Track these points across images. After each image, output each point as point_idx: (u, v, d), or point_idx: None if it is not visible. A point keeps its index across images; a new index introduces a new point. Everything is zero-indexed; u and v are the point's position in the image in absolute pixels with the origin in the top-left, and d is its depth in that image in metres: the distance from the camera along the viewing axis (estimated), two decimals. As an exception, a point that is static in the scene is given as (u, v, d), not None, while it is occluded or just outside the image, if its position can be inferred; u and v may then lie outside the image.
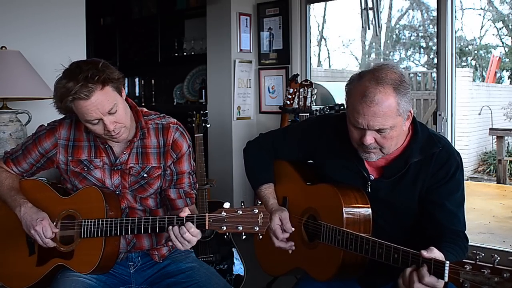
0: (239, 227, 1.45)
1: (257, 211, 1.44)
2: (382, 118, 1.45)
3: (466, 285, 1.22)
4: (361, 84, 1.48)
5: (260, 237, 1.48)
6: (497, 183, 7.46)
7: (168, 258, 1.80)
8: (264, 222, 1.44)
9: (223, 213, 1.46)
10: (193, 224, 1.50)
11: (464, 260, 1.25)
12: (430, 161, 1.57)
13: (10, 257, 1.75)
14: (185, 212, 1.53)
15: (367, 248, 1.45)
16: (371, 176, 1.64)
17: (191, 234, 1.51)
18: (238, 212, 1.45)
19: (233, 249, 2.87)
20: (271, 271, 1.97)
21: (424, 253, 1.29)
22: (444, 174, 1.56)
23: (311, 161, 1.85)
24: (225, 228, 1.46)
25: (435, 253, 1.30)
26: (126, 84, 5.08)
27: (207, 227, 1.48)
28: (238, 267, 2.85)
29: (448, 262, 1.25)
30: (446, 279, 1.25)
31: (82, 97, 1.51)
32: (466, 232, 1.57)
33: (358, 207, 1.59)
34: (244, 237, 1.51)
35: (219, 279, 1.75)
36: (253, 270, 2.04)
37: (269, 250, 1.84)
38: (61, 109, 1.59)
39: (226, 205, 1.48)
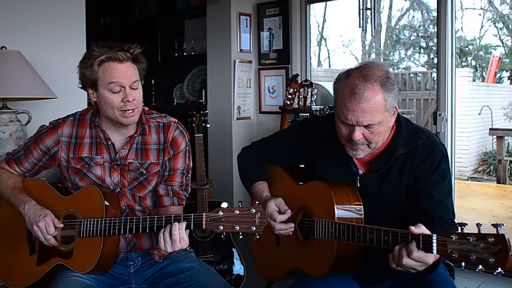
0: (236, 227, 1.45)
1: (254, 210, 1.45)
2: (370, 114, 1.50)
3: (454, 255, 1.24)
4: (350, 81, 1.53)
5: (257, 237, 1.49)
6: (497, 183, 7.46)
7: (168, 257, 1.80)
8: (261, 222, 1.44)
9: (220, 213, 1.47)
10: (191, 223, 1.51)
11: (449, 231, 1.27)
12: (415, 153, 1.61)
13: (11, 256, 1.76)
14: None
15: (358, 236, 1.48)
16: (360, 171, 1.67)
17: (179, 235, 1.51)
18: (235, 212, 1.45)
19: (233, 249, 2.87)
20: (270, 276, 1.98)
21: (413, 228, 1.33)
22: (429, 164, 1.59)
23: (302, 165, 1.87)
24: (222, 227, 1.46)
25: (423, 229, 1.33)
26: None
27: (204, 227, 1.49)
28: (238, 267, 2.85)
29: (435, 235, 1.28)
30: (434, 252, 1.27)
31: (118, 57, 1.62)
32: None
33: (350, 203, 1.61)
34: (241, 237, 1.51)
35: (219, 279, 1.75)
36: (253, 270, 2.04)
37: (267, 254, 1.84)
38: (84, 73, 1.65)
39: (224, 204, 1.48)
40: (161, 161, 1.76)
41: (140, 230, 1.58)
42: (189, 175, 1.84)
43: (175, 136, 1.77)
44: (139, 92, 1.69)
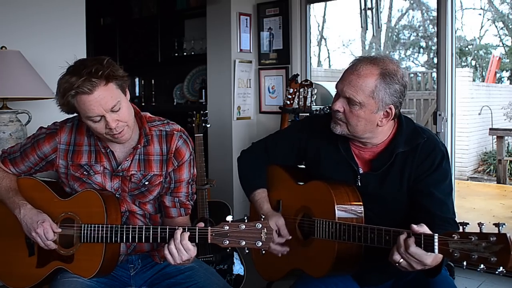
0: (241, 242, 1.42)
1: (260, 226, 1.41)
2: (354, 88, 1.52)
3: (455, 254, 1.23)
4: (356, 60, 1.58)
5: (263, 252, 1.47)
6: (497, 183, 7.46)
7: (168, 258, 1.80)
8: (267, 237, 1.42)
9: (226, 227, 1.43)
10: (195, 237, 1.48)
11: (451, 231, 1.27)
12: (415, 152, 1.60)
13: (10, 256, 1.74)
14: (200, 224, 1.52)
15: (359, 235, 1.48)
16: (360, 169, 1.67)
17: (184, 246, 1.48)
18: (241, 226, 1.42)
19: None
20: (269, 276, 1.97)
21: (415, 227, 1.33)
22: (430, 164, 1.59)
23: (303, 166, 1.87)
24: (227, 242, 1.43)
25: (425, 228, 1.33)
26: (126, 84, 5.07)
27: (209, 241, 1.45)
28: (238, 267, 2.84)
29: (436, 234, 1.27)
30: (436, 251, 1.27)
31: (85, 91, 1.48)
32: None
33: (350, 203, 1.61)
34: (247, 251, 1.49)
35: (218, 279, 1.75)
36: (253, 270, 2.03)
37: (266, 255, 1.84)
38: (63, 105, 1.55)
39: (229, 218, 1.45)
40: (164, 172, 1.71)
41: (143, 239, 1.55)
42: (194, 183, 1.79)
43: (178, 147, 1.71)
44: (123, 110, 1.56)
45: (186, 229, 1.49)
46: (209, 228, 1.45)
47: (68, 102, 1.52)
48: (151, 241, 1.56)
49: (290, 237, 1.70)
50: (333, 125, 1.63)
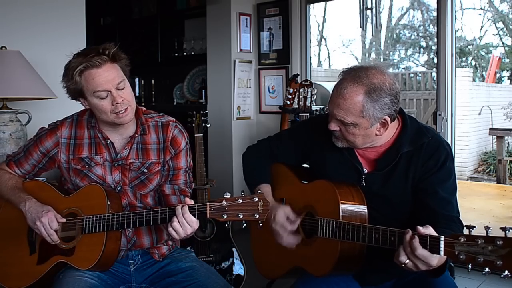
0: (239, 215, 1.47)
1: (257, 199, 1.47)
2: (344, 111, 1.54)
3: (461, 257, 1.23)
4: (341, 78, 1.58)
5: (261, 224, 1.51)
6: (497, 183, 7.45)
7: (168, 257, 1.81)
8: (264, 209, 1.47)
9: (224, 202, 1.49)
10: (195, 213, 1.53)
11: (457, 233, 1.27)
12: (420, 151, 1.61)
13: (9, 257, 1.75)
14: (190, 201, 1.57)
15: (363, 236, 1.48)
16: (365, 169, 1.67)
17: (186, 219, 1.53)
18: (239, 200, 1.48)
19: (233, 249, 2.87)
20: (269, 274, 1.97)
21: (421, 229, 1.32)
22: (434, 163, 1.59)
23: (307, 165, 1.88)
24: (226, 216, 1.48)
25: (430, 230, 1.33)
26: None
27: (208, 216, 1.50)
28: (238, 267, 2.85)
29: (443, 236, 1.27)
30: (442, 253, 1.27)
31: (95, 63, 1.60)
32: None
33: (354, 202, 1.61)
34: (244, 225, 1.54)
35: (219, 278, 1.76)
36: (253, 270, 2.04)
37: (267, 253, 1.84)
38: (69, 86, 1.66)
39: (227, 194, 1.50)
40: (161, 160, 1.77)
41: (144, 223, 1.59)
42: (191, 172, 1.86)
43: (174, 135, 1.78)
44: (127, 91, 1.67)
45: (186, 206, 1.54)
46: (208, 203, 1.50)
47: (75, 81, 1.63)
48: (151, 223, 1.59)
49: (300, 219, 1.68)
50: (334, 139, 1.66)
